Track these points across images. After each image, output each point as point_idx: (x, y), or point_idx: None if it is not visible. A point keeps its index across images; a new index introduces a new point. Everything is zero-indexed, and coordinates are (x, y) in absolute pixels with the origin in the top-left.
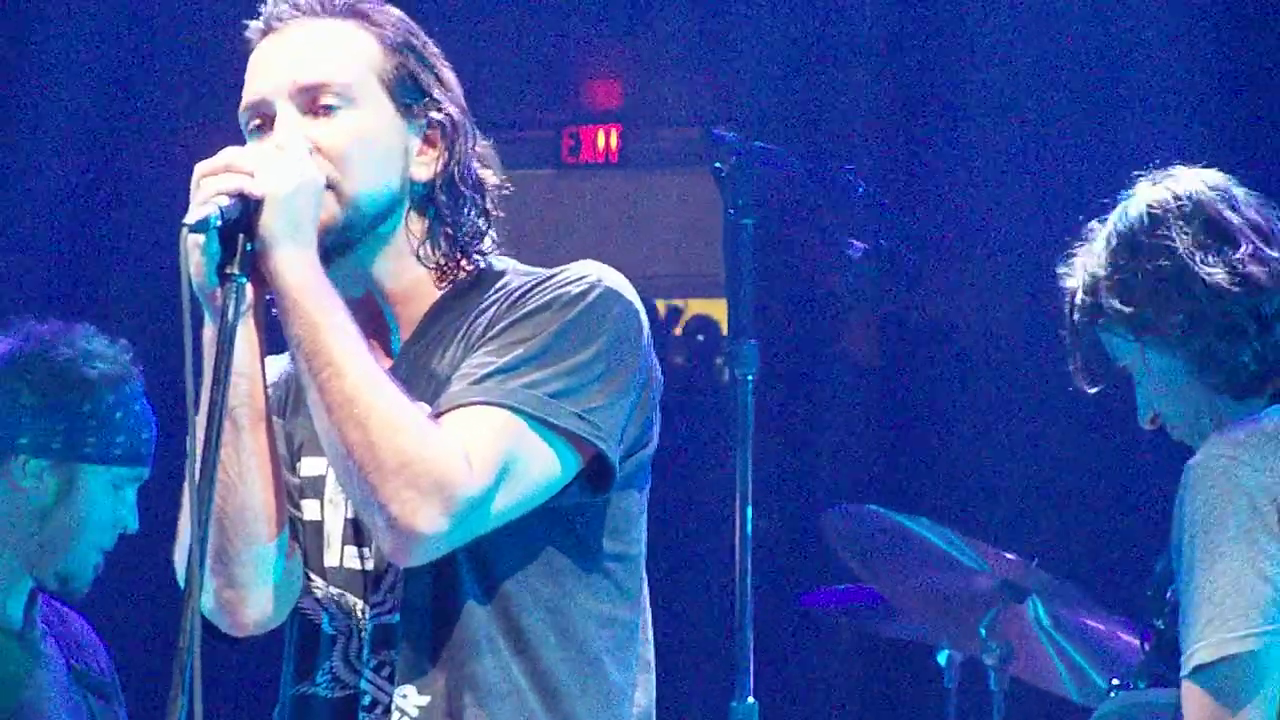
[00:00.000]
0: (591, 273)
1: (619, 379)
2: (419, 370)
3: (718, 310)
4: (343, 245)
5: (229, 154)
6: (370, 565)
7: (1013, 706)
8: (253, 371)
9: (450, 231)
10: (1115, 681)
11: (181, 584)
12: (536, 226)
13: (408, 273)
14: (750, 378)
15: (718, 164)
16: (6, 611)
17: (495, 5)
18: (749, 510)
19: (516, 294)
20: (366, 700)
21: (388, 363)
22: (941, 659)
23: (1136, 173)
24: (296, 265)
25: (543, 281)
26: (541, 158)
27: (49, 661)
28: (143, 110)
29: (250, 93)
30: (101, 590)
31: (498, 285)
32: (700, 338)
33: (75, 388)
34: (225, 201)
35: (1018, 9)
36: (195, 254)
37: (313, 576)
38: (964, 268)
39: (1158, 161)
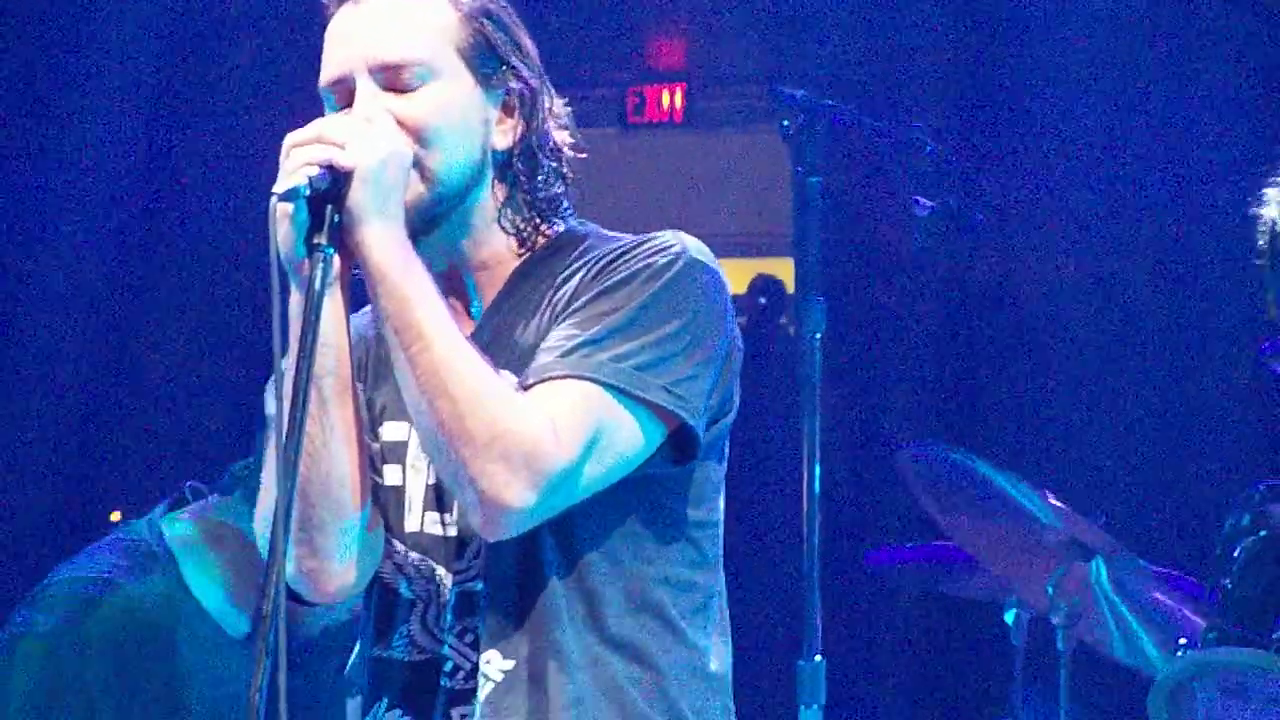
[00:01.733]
0: (676, 243)
1: (704, 350)
2: (501, 338)
3: (783, 269)
4: (430, 222)
5: (320, 124)
6: (452, 531)
7: (1077, 667)
8: (339, 342)
9: (529, 198)
10: (1183, 641)
11: (264, 552)
12: (601, 186)
13: (490, 241)
14: (818, 336)
15: (785, 122)
16: None
17: None
18: (817, 468)
19: (602, 263)
20: (449, 666)
21: (470, 330)
22: (1009, 618)
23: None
24: (384, 240)
25: (628, 251)
26: (606, 117)
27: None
28: (204, 85)
29: (330, 68)
30: None
31: (580, 251)
32: (762, 300)
33: None
34: (314, 172)
35: None
36: (284, 223)
37: (393, 541)
38: (1028, 229)
39: (1216, 137)
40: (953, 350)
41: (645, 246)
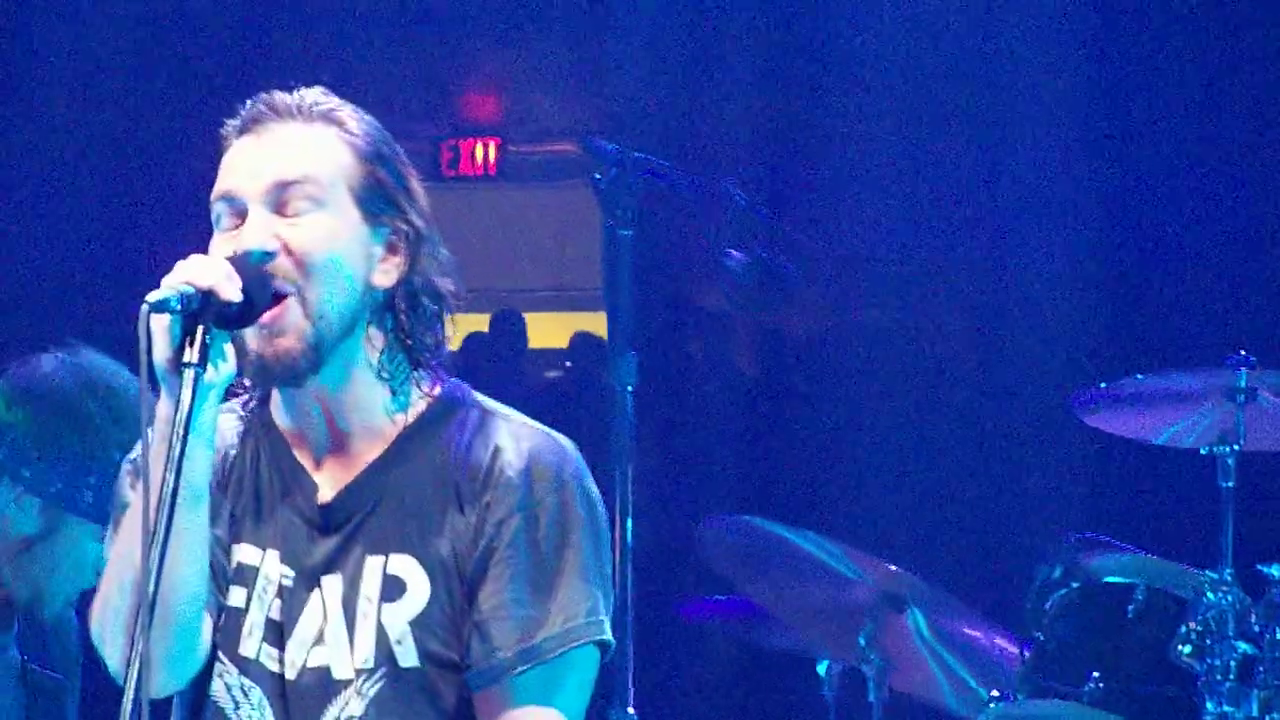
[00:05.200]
0: (579, 468)
1: (606, 568)
2: (389, 502)
3: (596, 323)
4: (313, 364)
5: (191, 269)
6: (284, 671)
7: (891, 717)
8: (199, 453)
9: (409, 341)
10: (995, 693)
11: (97, 644)
12: None
13: (368, 394)
14: (630, 389)
15: (597, 175)
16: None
17: (376, 15)
18: (629, 521)
19: (517, 517)
20: None
21: (341, 471)
22: (821, 669)
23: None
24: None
25: (534, 470)
26: (420, 170)
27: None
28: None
29: (223, 184)
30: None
31: (479, 430)
32: (576, 353)
33: (90, 444)
34: (189, 290)
35: (892, 21)
36: (160, 334)
37: (226, 662)
38: (840, 280)
39: (1031, 171)
40: (766, 402)
41: (557, 487)
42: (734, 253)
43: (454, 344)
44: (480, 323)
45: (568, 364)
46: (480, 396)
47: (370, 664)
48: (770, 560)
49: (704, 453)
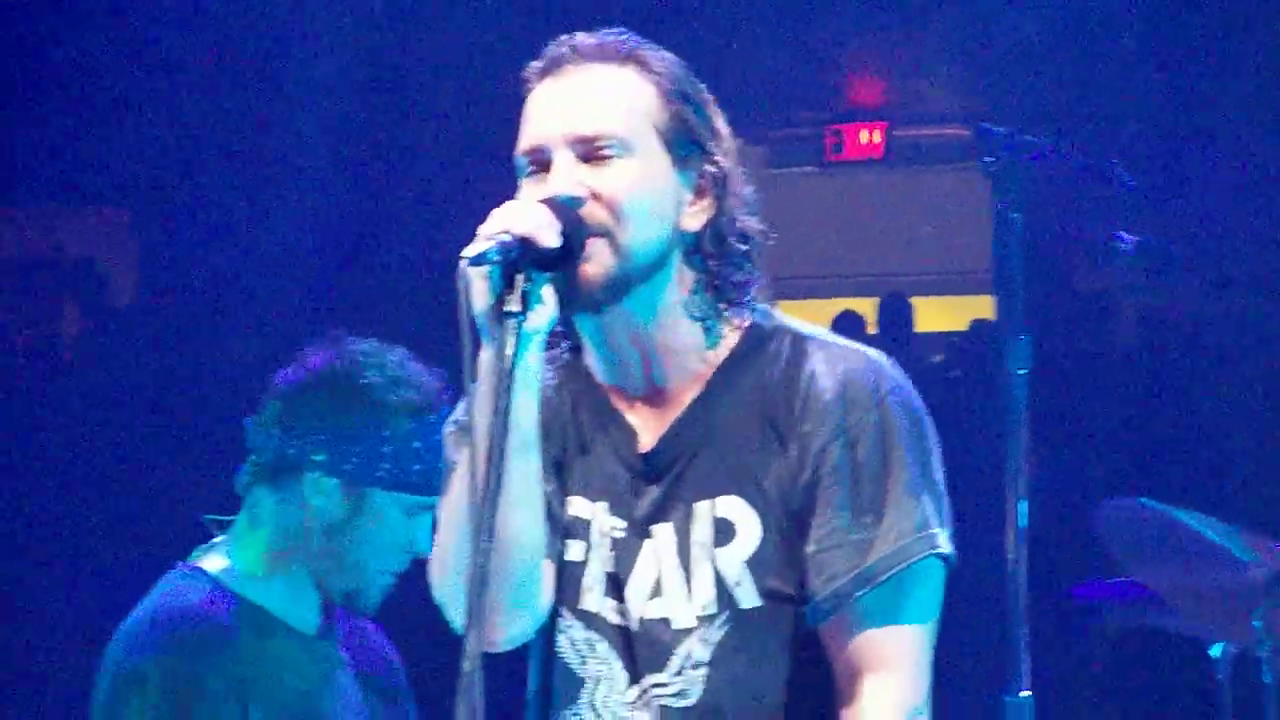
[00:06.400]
0: (897, 382)
1: (940, 486)
2: (713, 444)
3: (983, 307)
4: (615, 296)
5: (511, 215)
6: (627, 622)
7: None
8: (527, 400)
9: (717, 283)
10: None
11: (438, 600)
12: (799, 224)
13: (675, 327)
14: (1023, 373)
15: (987, 159)
16: (302, 616)
17: (761, 3)
18: (1023, 504)
19: (841, 436)
20: None
21: (658, 417)
22: (1215, 652)
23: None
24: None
25: (849, 392)
26: (805, 156)
27: (339, 667)
28: (401, 122)
29: (528, 137)
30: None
31: (784, 362)
32: (969, 336)
33: (376, 413)
34: (506, 238)
35: None
36: (479, 284)
37: (567, 616)
38: (1222, 263)
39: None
40: (1153, 385)
41: (875, 400)
42: (1124, 235)
43: (825, 322)
44: (867, 306)
45: (956, 346)
46: (792, 322)
47: (712, 609)
48: (1162, 542)
49: (1096, 435)
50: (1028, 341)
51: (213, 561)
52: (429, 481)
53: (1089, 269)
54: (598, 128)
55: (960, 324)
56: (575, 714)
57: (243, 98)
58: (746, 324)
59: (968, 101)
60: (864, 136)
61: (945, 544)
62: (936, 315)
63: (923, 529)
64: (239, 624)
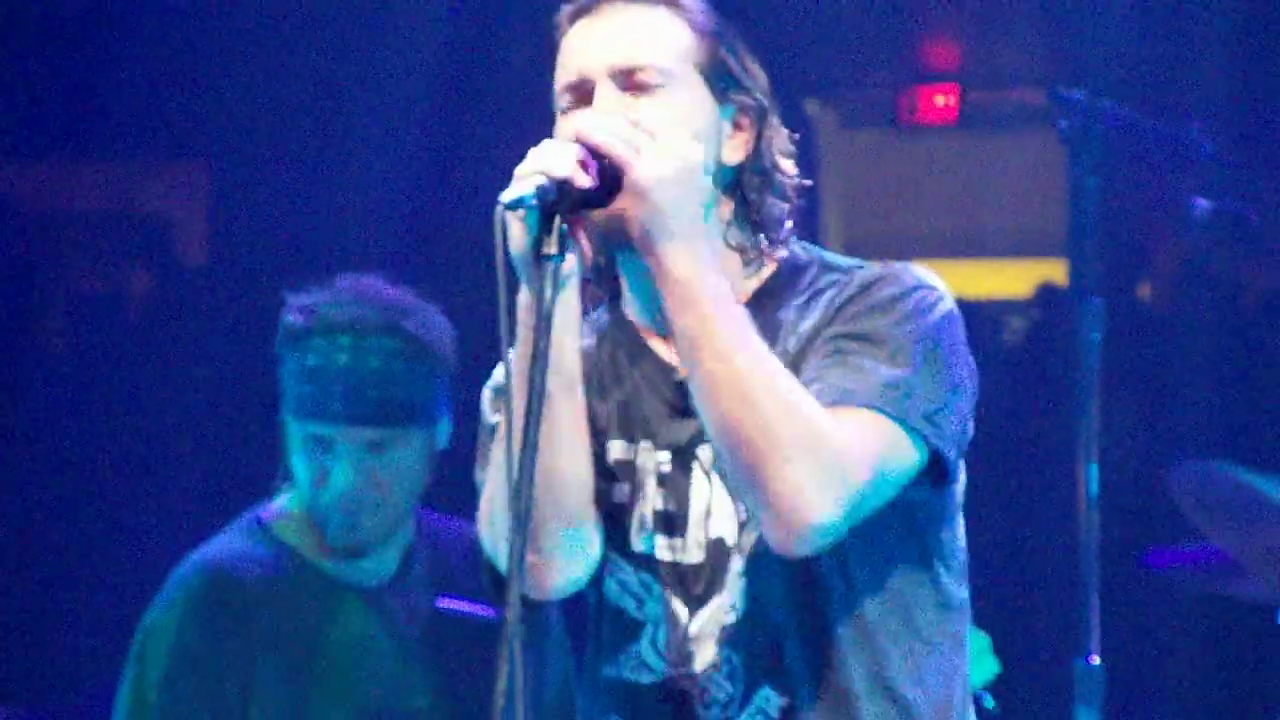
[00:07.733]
0: (923, 280)
1: (958, 384)
2: None
3: (1056, 271)
4: None
5: (585, 124)
6: (685, 558)
7: None
8: (567, 342)
9: (756, 215)
10: None
11: (487, 550)
12: (872, 187)
13: (718, 260)
14: (1097, 336)
15: (1063, 123)
16: (383, 563)
17: None
18: (1093, 468)
19: (857, 302)
20: (705, 695)
21: None
22: None
23: None
24: (684, 258)
25: (877, 285)
26: (878, 118)
27: (404, 618)
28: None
29: (569, 70)
30: None
31: (809, 284)
32: (1042, 299)
33: (282, 342)
34: (542, 181)
35: None
36: (517, 226)
37: (618, 559)
38: None
39: None
40: (1232, 350)
41: (894, 285)
42: (1200, 201)
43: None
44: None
45: (1031, 313)
46: (828, 254)
47: (744, 515)
48: (1238, 508)
49: (1170, 400)
50: (1100, 305)
51: (272, 510)
52: (322, 407)
53: (1164, 235)
54: (640, 58)
55: (1025, 289)
56: (634, 659)
57: (326, 50)
58: (781, 254)
59: (1043, 64)
60: (939, 99)
61: (918, 422)
62: (1011, 279)
63: (890, 389)
64: (270, 575)
